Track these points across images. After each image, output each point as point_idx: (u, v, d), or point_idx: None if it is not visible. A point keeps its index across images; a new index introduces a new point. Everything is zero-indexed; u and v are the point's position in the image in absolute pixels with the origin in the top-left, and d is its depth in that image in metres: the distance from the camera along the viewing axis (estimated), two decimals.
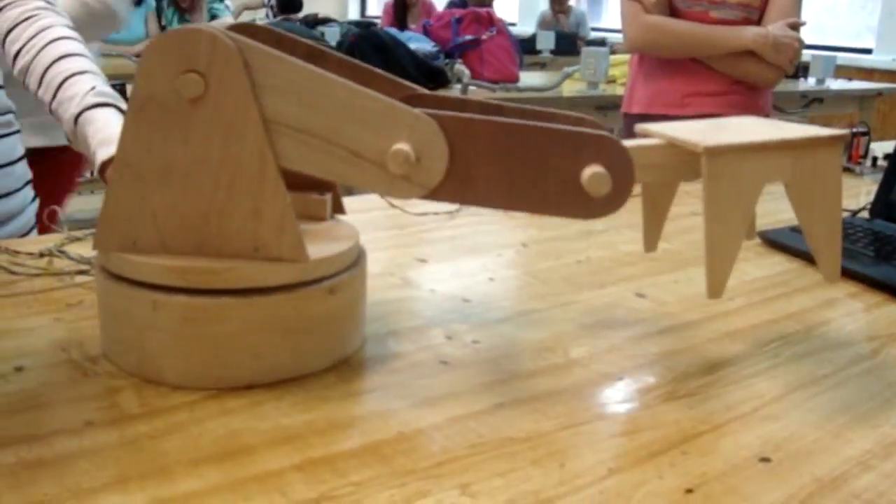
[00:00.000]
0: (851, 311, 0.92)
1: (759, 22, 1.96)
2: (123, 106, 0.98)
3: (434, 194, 0.64)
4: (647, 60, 2.06)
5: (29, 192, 1.24)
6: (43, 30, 1.04)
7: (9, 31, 1.05)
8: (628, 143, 0.68)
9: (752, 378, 0.73)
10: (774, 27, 1.89)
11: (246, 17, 6.34)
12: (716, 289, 0.67)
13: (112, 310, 0.68)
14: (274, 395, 0.65)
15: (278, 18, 6.08)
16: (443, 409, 0.64)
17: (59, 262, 0.92)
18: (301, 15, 6.14)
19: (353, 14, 10.84)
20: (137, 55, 4.25)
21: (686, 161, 0.68)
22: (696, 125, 0.73)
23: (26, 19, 1.05)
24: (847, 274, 1.03)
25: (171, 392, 0.65)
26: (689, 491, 0.56)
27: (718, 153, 0.63)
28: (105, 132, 0.93)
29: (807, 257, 1.08)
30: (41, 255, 0.91)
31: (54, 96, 0.98)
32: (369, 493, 0.53)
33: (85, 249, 0.95)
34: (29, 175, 1.24)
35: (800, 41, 1.90)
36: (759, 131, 0.68)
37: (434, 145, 0.63)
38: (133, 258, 0.65)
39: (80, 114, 0.95)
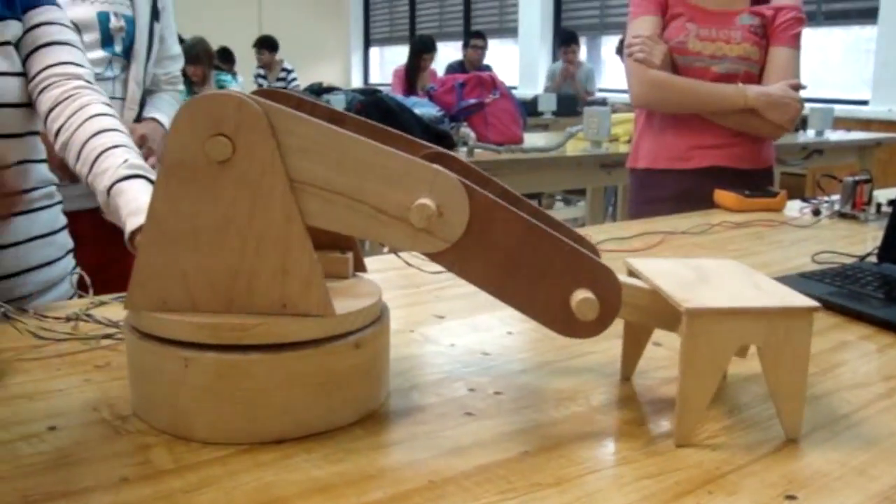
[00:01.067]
0: (865, 353, 0.93)
1: (760, 75, 2.00)
2: (153, 177, 1.02)
3: (457, 249, 0.66)
4: (651, 115, 2.09)
5: (70, 261, 1.27)
6: (82, 108, 1.09)
7: (51, 110, 1.10)
8: (621, 279, 0.72)
9: (772, 420, 0.74)
10: (776, 87, 1.93)
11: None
12: (684, 437, 0.69)
13: (143, 368, 0.69)
14: (304, 448, 0.66)
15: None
16: (470, 457, 0.65)
17: (85, 325, 0.94)
18: (305, 84, 6.26)
19: (357, 82, 11.02)
20: None
21: (668, 310, 0.72)
22: (683, 270, 0.77)
23: (67, 98, 1.10)
24: (859, 317, 1.05)
25: (202, 447, 0.66)
26: None
27: (698, 315, 0.66)
28: (135, 203, 0.96)
29: (819, 301, 1.09)
30: (68, 319, 0.93)
31: (90, 170, 1.02)
32: None
33: (111, 313, 0.97)
34: (70, 244, 1.27)
35: (800, 102, 1.94)
36: (738, 290, 0.71)
37: (455, 199, 0.65)
38: (164, 316, 0.67)
39: (112, 186, 0.98)
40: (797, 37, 1.99)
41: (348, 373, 0.69)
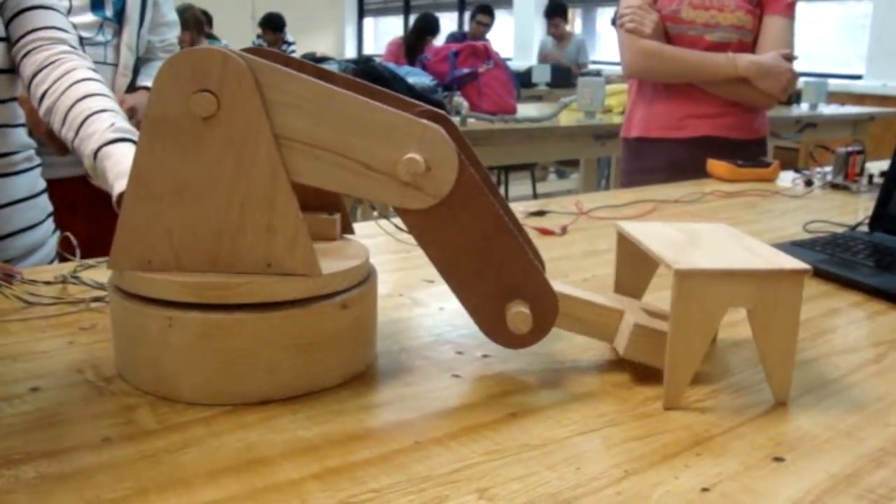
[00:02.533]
0: (855, 320, 0.92)
1: (754, 44, 1.98)
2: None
3: (446, 204, 0.65)
4: (644, 85, 2.08)
5: (50, 224, 1.25)
6: (67, 72, 1.07)
7: (35, 74, 1.08)
8: (559, 288, 0.73)
9: (761, 384, 0.74)
10: (768, 56, 1.92)
11: None
12: (672, 400, 0.69)
13: (127, 328, 0.68)
14: (289, 410, 0.66)
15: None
16: (457, 419, 0.65)
17: (73, 288, 0.93)
18: (299, 54, 6.20)
19: (351, 52, 10.95)
20: None
21: (603, 325, 0.75)
22: (674, 233, 0.77)
23: (52, 62, 1.08)
24: (849, 284, 1.04)
25: (186, 408, 0.66)
26: (706, 490, 0.56)
27: (688, 276, 0.66)
28: (122, 165, 0.95)
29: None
30: (55, 282, 0.92)
31: (76, 134, 1.01)
32: (388, 499, 0.53)
33: (98, 276, 0.96)
34: (50, 208, 1.26)
35: (792, 72, 1.93)
36: (729, 252, 0.71)
37: (444, 154, 0.64)
38: (148, 276, 0.66)
39: (98, 149, 0.97)
40: (791, 6, 1.97)
41: (334, 334, 0.68)
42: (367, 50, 11.14)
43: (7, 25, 1.11)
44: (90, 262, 1.01)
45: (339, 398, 0.68)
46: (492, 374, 0.74)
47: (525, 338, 0.72)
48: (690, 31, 1.96)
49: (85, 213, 1.43)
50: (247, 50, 0.74)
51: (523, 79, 5.18)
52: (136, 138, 1.01)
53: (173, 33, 1.77)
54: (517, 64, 7.49)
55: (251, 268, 0.66)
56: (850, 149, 1.78)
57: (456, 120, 2.91)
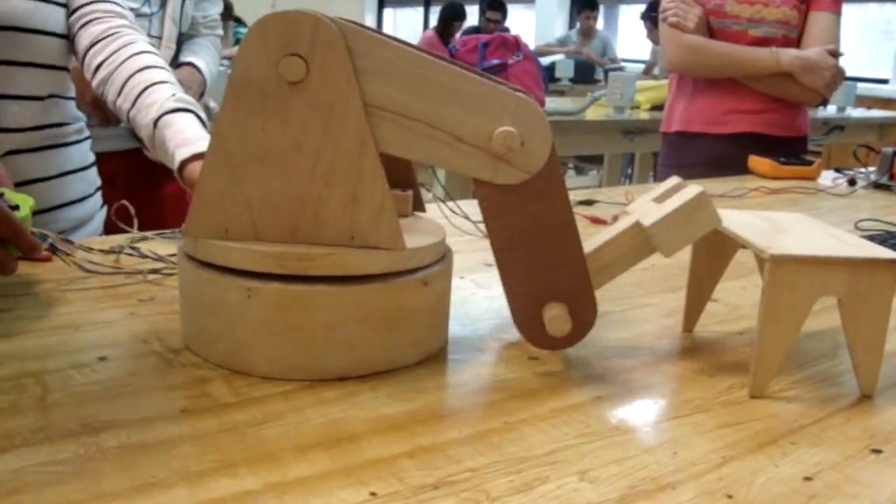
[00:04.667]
0: None
1: (799, 40, 1.95)
2: (202, 114, 0.99)
3: (537, 179, 0.63)
4: (685, 79, 2.05)
5: (98, 198, 1.24)
6: (126, 45, 1.06)
7: (92, 45, 1.07)
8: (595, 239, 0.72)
9: (843, 375, 0.72)
10: (813, 51, 1.89)
11: None
12: (759, 388, 0.67)
13: (200, 298, 0.66)
14: (369, 386, 0.64)
15: None
16: (543, 401, 0.63)
17: (128, 260, 0.91)
18: None
19: None
20: None
21: (634, 246, 0.71)
22: (757, 221, 0.74)
23: (110, 35, 1.07)
24: None
25: (262, 382, 0.64)
26: (808, 479, 0.54)
27: (783, 262, 0.63)
28: (184, 134, 0.93)
29: None
30: (112, 251, 0.91)
31: (133, 104, 0.99)
32: (488, 479, 0.51)
33: (153, 247, 0.94)
34: (98, 182, 1.25)
35: (838, 68, 1.90)
36: (818, 240, 0.68)
37: (538, 128, 0.62)
38: (226, 244, 0.64)
39: (159, 117, 0.95)
40: (838, 2, 1.94)
41: (415, 310, 0.66)
42: None
43: None
44: (146, 233, 1.00)
45: (418, 376, 0.66)
46: (569, 358, 0.72)
47: (557, 342, 0.71)
48: (734, 26, 1.93)
49: (124, 189, 1.41)
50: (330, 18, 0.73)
51: (547, 73, 5.14)
52: (197, 110, 0.99)
53: (216, 9, 1.75)
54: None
55: (333, 239, 0.64)
56: (895, 149, 1.75)
57: None
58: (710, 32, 1.95)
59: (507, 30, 6.54)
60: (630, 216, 0.72)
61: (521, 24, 8.42)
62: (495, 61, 3.23)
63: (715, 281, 0.80)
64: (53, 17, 1.07)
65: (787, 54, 1.89)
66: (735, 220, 0.74)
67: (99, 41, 1.06)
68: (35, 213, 0.89)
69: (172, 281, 0.86)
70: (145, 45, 1.07)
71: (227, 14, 5.37)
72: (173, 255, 0.91)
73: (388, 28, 11.17)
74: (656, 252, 0.70)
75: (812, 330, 0.83)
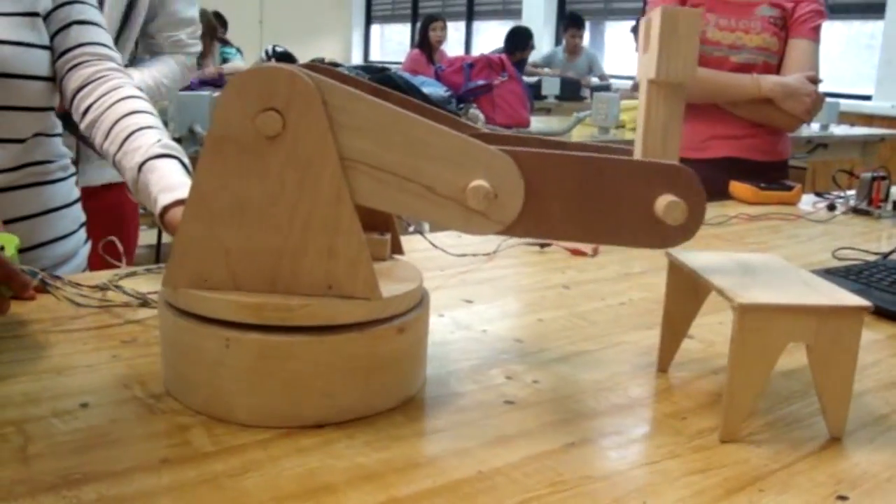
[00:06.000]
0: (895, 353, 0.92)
1: (779, 66, 1.98)
2: (186, 160, 1.00)
3: (510, 230, 0.65)
4: None
5: (83, 234, 1.25)
6: (114, 89, 1.07)
7: (80, 88, 1.09)
8: None
9: (813, 417, 0.73)
10: (793, 78, 1.92)
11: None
12: (730, 433, 0.68)
13: (180, 346, 0.68)
14: (345, 434, 0.65)
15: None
16: (517, 448, 0.64)
17: (116, 295, 0.92)
18: (305, 60, 6.19)
19: (357, 59, 10.94)
20: None
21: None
22: (728, 264, 0.76)
23: (99, 78, 1.09)
24: (886, 315, 1.04)
25: (241, 430, 0.65)
26: None
27: (751, 310, 0.65)
28: (168, 180, 0.94)
29: None
30: (99, 286, 0.92)
31: (120, 147, 1.00)
32: None
33: (138, 284, 0.95)
34: (83, 217, 1.26)
35: (817, 94, 1.93)
36: (787, 286, 0.70)
37: (510, 182, 0.64)
38: (205, 294, 0.65)
39: (144, 162, 0.97)
40: (817, 30, 1.97)
41: (391, 357, 0.68)
42: (374, 56, 11.14)
43: (52, 37, 1.11)
44: (137, 269, 1.01)
45: (395, 423, 0.67)
46: (544, 401, 0.73)
47: (686, 226, 0.67)
48: (716, 52, 1.96)
49: (97, 223, 1.42)
50: (303, 66, 0.74)
51: (533, 91, 5.17)
52: (182, 157, 1.00)
53: (184, 31, 1.76)
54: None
55: (311, 289, 0.66)
56: (874, 174, 1.77)
57: None
58: None
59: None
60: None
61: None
62: (481, 82, 3.26)
63: (689, 322, 0.82)
64: (38, 61, 1.08)
65: (768, 80, 1.92)
66: (708, 263, 0.76)
67: (87, 84, 1.08)
68: (19, 250, 0.90)
69: (155, 320, 0.87)
70: (132, 89, 1.09)
71: (213, 35, 5.39)
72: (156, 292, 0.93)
73: (375, 43, 11.21)
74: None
75: (785, 368, 0.84)
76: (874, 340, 0.96)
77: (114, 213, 1.60)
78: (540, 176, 0.65)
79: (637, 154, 0.69)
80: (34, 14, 1.08)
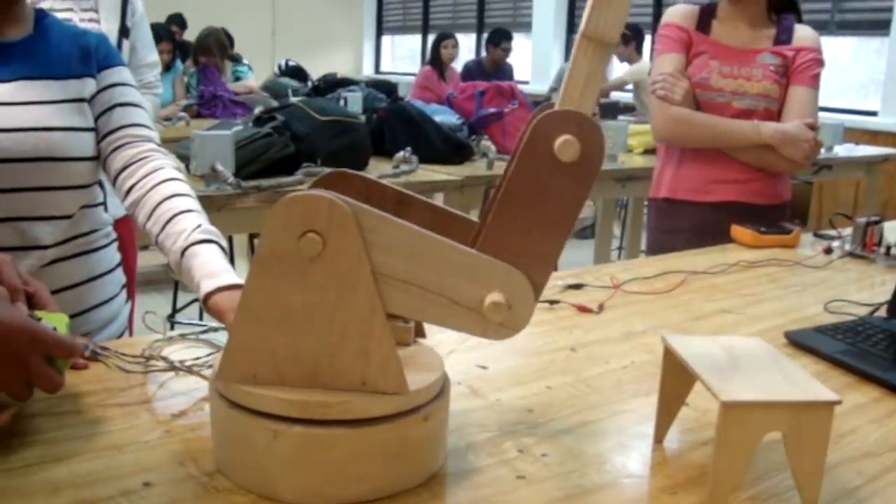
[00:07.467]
0: (875, 419, 1.00)
1: (779, 112, 2.07)
2: (223, 243, 1.09)
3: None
4: (673, 148, 2.17)
5: (123, 295, 1.35)
6: (155, 170, 1.17)
7: (124, 168, 1.18)
8: None
9: (792, 490, 0.81)
10: (792, 125, 2.02)
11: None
12: None
13: (230, 434, 0.77)
14: None
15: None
16: None
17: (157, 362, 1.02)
18: (317, 76, 6.28)
19: (368, 70, 11.05)
20: (167, 118, 4.40)
21: None
22: (716, 351, 0.85)
23: (141, 159, 1.19)
24: (869, 378, 1.12)
25: None
26: None
27: (733, 406, 0.74)
28: (209, 266, 1.04)
29: (833, 360, 1.17)
30: (143, 356, 1.01)
31: (162, 229, 1.10)
32: None
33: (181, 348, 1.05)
34: (124, 279, 1.35)
35: (815, 140, 2.02)
36: (767, 378, 0.79)
37: (524, 294, 0.73)
38: (254, 390, 0.75)
39: (186, 248, 1.06)
40: (816, 77, 2.06)
41: (418, 442, 0.77)
42: (385, 67, 11.26)
43: (97, 118, 1.20)
44: (172, 334, 1.11)
45: (421, 499, 0.77)
46: (552, 475, 0.83)
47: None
48: (719, 98, 2.05)
49: None
50: (334, 175, 0.84)
51: None
52: (220, 240, 1.10)
53: (153, 72, 2.08)
54: (535, 87, 7.59)
55: (347, 385, 0.75)
56: (868, 219, 1.86)
57: (483, 163, 3.00)
58: (697, 104, 2.06)
59: (509, 67, 6.67)
60: None
61: (517, 53, 8.56)
62: (492, 109, 3.35)
63: (682, 399, 0.91)
64: (85, 143, 1.18)
65: (768, 127, 2.01)
66: (696, 351, 0.84)
67: (130, 165, 1.18)
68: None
69: (200, 392, 0.96)
70: (172, 171, 1.18)
71: (223, 54, 5.49)
72: (197, 358, 1.02)
73: (386, 54, 11.32)
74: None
75: (767, 439, 0.93)
76: (857, 405, 1.04)
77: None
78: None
79: (557, 104, 0.76)
80: (81, 100, 1.18)
